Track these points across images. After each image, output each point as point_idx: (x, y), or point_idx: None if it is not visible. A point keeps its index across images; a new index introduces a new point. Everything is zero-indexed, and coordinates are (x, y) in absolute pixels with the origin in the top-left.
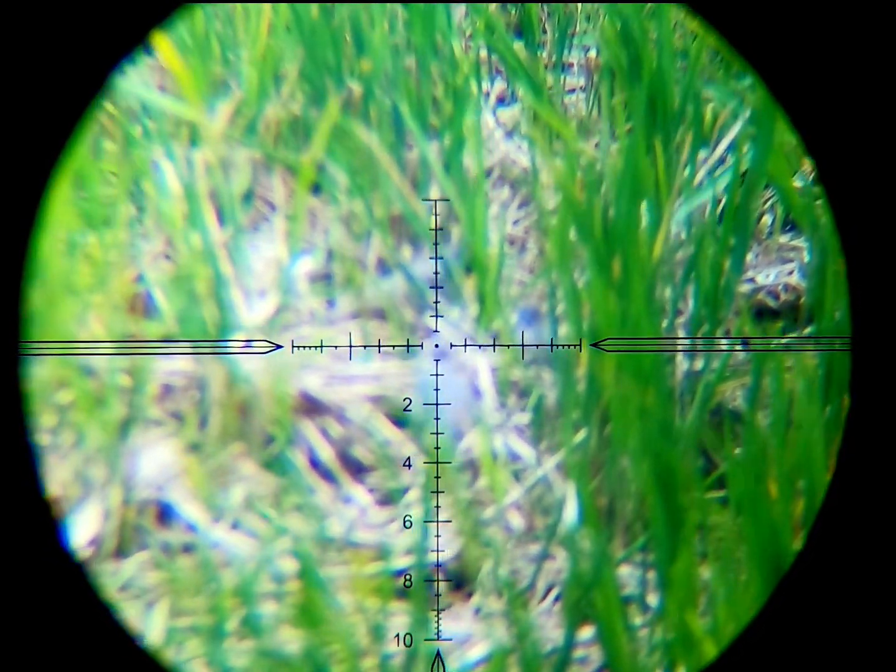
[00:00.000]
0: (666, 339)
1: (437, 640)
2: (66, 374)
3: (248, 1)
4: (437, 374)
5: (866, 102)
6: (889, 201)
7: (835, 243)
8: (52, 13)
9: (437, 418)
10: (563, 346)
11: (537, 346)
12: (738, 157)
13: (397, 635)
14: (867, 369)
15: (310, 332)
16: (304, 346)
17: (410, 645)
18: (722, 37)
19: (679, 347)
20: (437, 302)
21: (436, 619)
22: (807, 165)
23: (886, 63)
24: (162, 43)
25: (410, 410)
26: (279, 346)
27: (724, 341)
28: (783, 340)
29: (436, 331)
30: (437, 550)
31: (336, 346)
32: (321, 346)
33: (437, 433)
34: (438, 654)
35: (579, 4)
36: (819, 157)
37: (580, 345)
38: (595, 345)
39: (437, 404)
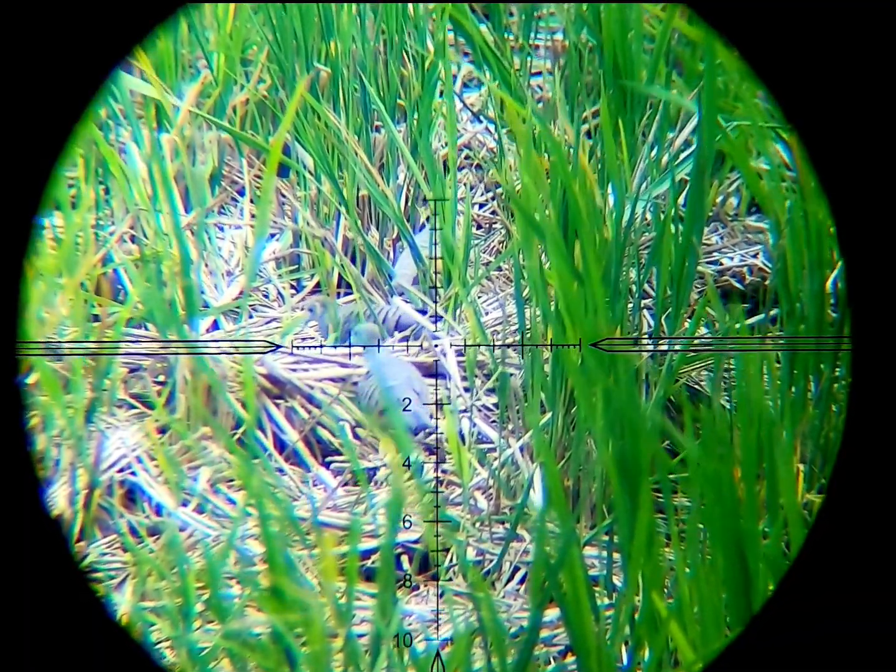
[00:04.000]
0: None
1: (437, 639)
2: (32, 357)
3: (247, 0)
4: (436, 375)
5: (866, 102)
6: (889, 202)
7: (799, 225)
8: (53, 15)
9: (436, 418)
10: (563, 346)
11: (537, 345)
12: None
13: (396, 635)
14: (867, 369)
15: (276, 315)
16: (304, 347)
17: (410, 644)
18: (720, 35)
19: (676, 345)
20: (436, 302)
21: (435, 619)
22: (773, 147)
23: (881, 58)
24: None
25: (410, 410)
26: (278, 347)
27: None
28: (781, 338)
29: (436, 332)
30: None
31: (335, 346)
32: (321, 346)
33: (436, 432)
34: (438, 654)
35: None
36: (819, 158)
37: (580, 345)
38: (595, 345)
39: (436, 404)
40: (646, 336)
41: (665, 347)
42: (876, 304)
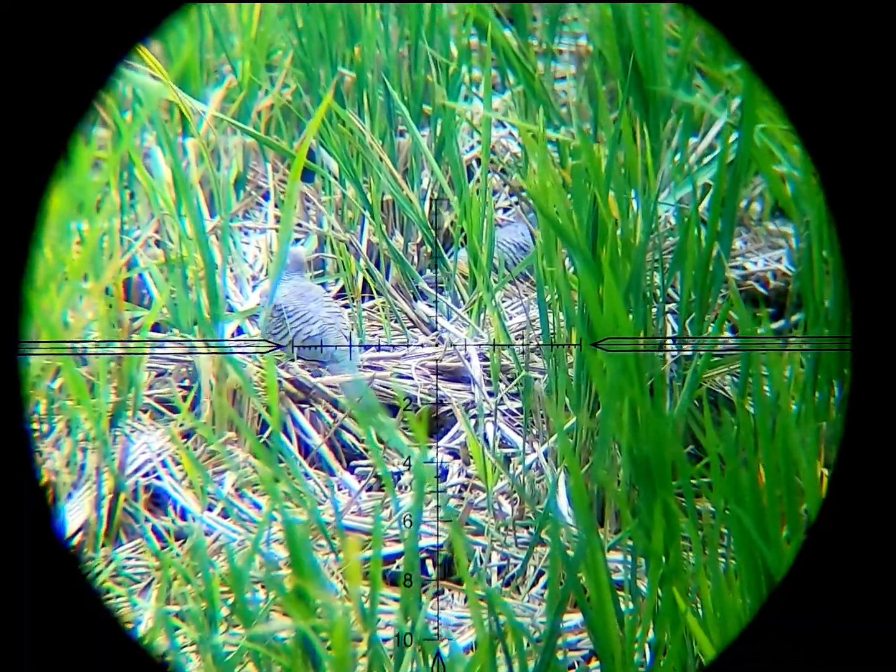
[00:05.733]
0: (662, 339)
1: (437, 639)
2: (59, 361)
3: (249, 0)
4: (437, 373)
5: (866, 101)
6: (889, 202)
7: (823, 230)
8: (53, 13)
9: (436, 417)
10: (563, 345)
11: (538, 345)
12: (726, 144)
13: (397, 635)
14: (867, 369)
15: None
16: (303, 347)
17: (410, 644)
18: (720, 35)
19: (676, 346)
20: (436, 301)
21: (436, 618)
22: (797, 153)
23: (884, 59)
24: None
25: (411, 410)
26: (280, 347)
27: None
28: (780, 339)
29: (436, 329)
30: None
31: (335, 346)
32: (321, 346)
33: (436, 432)
34: (438, 653)
35: None
36: (819, 157)
37: (580, 344)
38: (595, 345)
39: (436, 404)
40: (660, 339)
41: (667, 350)
42: (877, 303)
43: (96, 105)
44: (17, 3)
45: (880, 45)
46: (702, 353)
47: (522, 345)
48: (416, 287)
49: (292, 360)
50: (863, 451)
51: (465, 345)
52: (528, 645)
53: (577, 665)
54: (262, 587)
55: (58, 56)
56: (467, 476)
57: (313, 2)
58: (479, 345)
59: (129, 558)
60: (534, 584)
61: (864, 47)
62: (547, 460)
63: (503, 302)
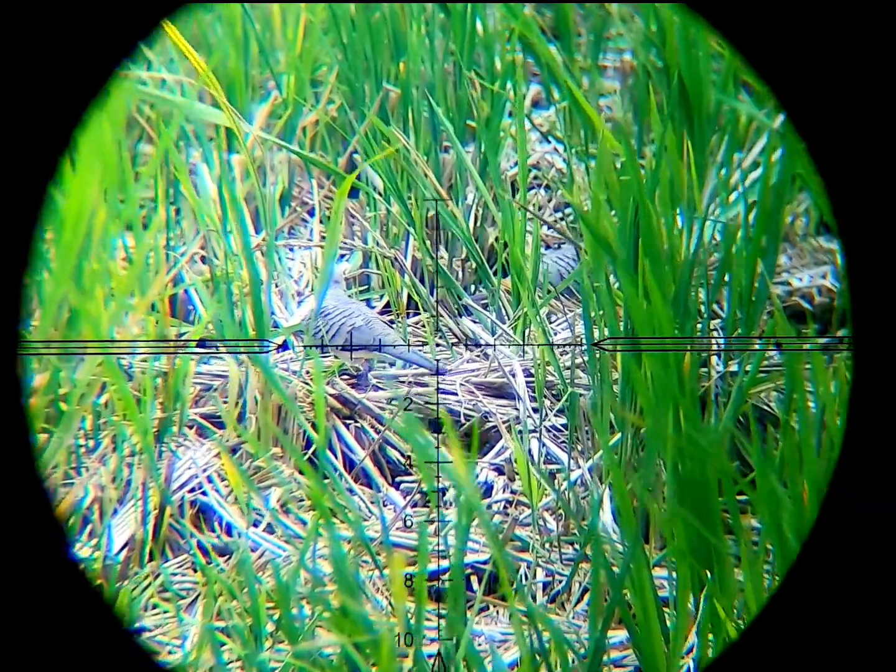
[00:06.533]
0: (668, 340)
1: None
2: (105, 377)
3: (254, 1)
4: (437, 374)
5: (867, 103)
6: (890, 203)
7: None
8: (55, 11)
9: (437, 418)
10: (566, 345)
11: (539, 345)
12: (770, 160)
13: (398, 634)
14: (868, 368)
15: None
16: (306, 347)
17: (411, 644)
18: (719, 34)
19: (682, 347)
20: (437, 301)
21: (436, 618)
22: None
23: (886, 64)
24: (200, 47)
25: (411, 410)
26: (285, 347)
27: (729, 340)
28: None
29: (437, 330)
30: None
31: (339, 346)
32: (322, 346)
33: (437, 433)
34: (439, 653)
35: (614, 7)
36: (820, 158)
37: (582, 344)
38: (596, 344)
39: (437, 404)
40: (651, 338)
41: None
42: (877, 304)
43: (98, 107)
44: (17, 3)
45: (874, 44)
46: (748, 367)
47: (521, 344)
48: (461, 303)
49: (345, 350)
50: (863, 450)
51: (465, 344)
52: (573, 661)
53: None
54: (308, 603)
55: (58, 56)
56: (512, 492)
57: (333, 1)
58: (475, 345)
59: (175, 574)
60: (579, 601)
61: (859, 45)
62: (592, 476)
63: (549, 318)
